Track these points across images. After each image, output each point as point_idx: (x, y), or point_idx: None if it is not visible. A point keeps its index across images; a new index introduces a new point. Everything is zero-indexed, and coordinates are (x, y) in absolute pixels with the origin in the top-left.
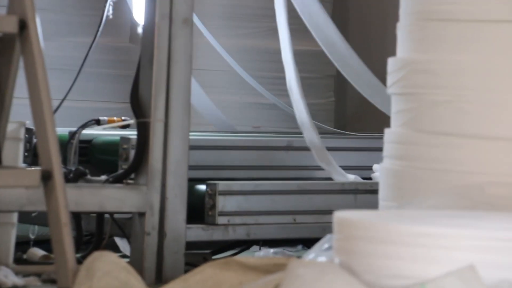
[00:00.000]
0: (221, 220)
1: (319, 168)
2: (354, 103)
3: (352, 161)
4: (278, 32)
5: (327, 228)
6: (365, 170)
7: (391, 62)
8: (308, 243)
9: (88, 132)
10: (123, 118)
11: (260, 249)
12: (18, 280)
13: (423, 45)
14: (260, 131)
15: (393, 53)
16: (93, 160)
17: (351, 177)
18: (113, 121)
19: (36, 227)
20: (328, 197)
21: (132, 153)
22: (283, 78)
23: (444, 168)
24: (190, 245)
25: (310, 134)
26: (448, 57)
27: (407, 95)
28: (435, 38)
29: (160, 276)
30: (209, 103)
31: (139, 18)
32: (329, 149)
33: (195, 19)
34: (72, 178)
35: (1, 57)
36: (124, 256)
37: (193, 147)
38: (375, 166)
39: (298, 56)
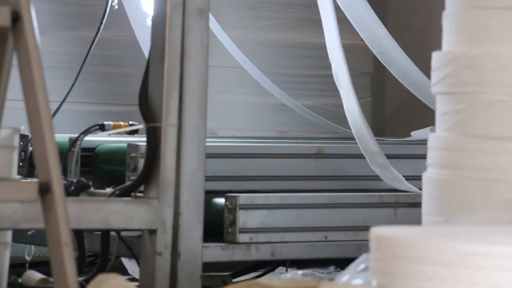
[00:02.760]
0: (243, 238)
1: (353, 179)
2: (393, 103)
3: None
4: (320, 14)
5: (363, 247)
6: (406, 180)
7: (436, 57)
8: (342, 263)
9: (91, 138)
10: (130, 122)
11: (287, 270)
12: None
13: (474, 36)
14: (287, 136)
15: (438, 46)
16: (97, 170)
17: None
18: (120, 126)
19: (33, 247)
20: (364, 211)
21: (141, 162)
22: (313, 76)
23: (497, 178)
24: (207, 267)
25: (364, 137)
26: (503, 50)
27: (454, 94)
28: (487, 28)
29: None
30: None
31: (148, 8)
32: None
33: None
34: (73, 191)
35: None
36: (132, 279)
37: (211, 155)
38: None
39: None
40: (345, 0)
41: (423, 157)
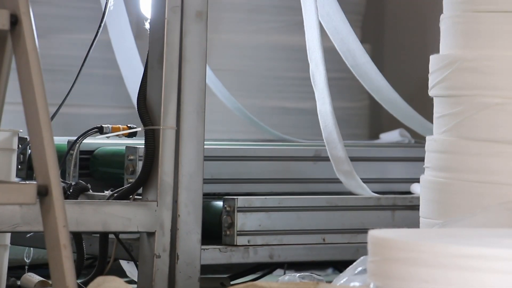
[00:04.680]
0: (241, 240)
1: None
2: None
3: (388, 173)
4: (311, 78)
5: (361, 249)
6: (403, 183)
7: (433, 60)
8: (340, 265)
9: (89, 141)
10: (129, 125)
11: (284, 273)
12: None
13: (471, 40)
14: (284, 139)
15: (435, 50)
16: (96, 173)
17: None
18: (118, 129)
19: (32, 249)
20: (362, 213)
21: (139, 165)
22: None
23: (494, 181)
24: (205, 269)
25: (333, 141)
26: (500, 53)
27: (452, 97)
28: (485, 31)
29: None
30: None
31: (146, 11)
32: (362, 159)
33: None
34: (72, 193)
35: None
36: (131, 282)
37: (209, 157)
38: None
39: (327, 54)
40: (322, 9)
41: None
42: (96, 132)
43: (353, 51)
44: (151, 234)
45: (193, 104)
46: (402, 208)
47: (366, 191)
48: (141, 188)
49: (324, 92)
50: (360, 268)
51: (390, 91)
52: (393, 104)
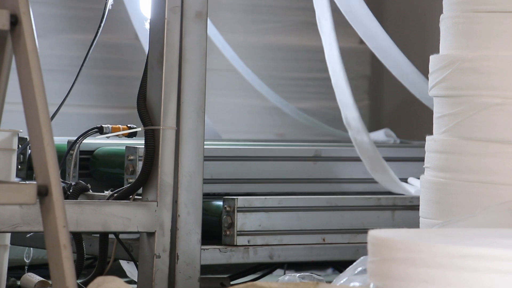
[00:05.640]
0: (241, 240)
1: (351, 181)
2: (390, 106)
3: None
4: (317, 22)
5: (361, 249)
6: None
7: (433, 60)
8: (340, 266)
9: (89, 141)
10: (129, 125)
11: (284, 273)
12: None
13: (471, 40)
14: (284, 139)
15: (435, 50)
16: (96, 173)
17: (412, 191)
18: (118, 129)
19: (32, 249)
20: (362, 214)
21: (139, 165)
22: (310, 79)
23: (494, 181)
24: (205, 269)
25: (362, 138)
26: (500, 53)
27: (452, 97)
28: (485, 32)
29: None
30: None
31: (146, 11)
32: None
33: None
34: (72, 194)
35: None
36: (131, 282)
37: (209, 158)
38: (410, 179)
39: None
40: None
41: (421, 160)
42: (96, 132)
43: (377, 38)
44: (151, 234)
45: (193, 104)
46: (402, 208)
47: (377, 152)
48: (141, 188)
49: (331, 37)
50: (360, 268)
51: (385, 38)
52: (386, 53)
